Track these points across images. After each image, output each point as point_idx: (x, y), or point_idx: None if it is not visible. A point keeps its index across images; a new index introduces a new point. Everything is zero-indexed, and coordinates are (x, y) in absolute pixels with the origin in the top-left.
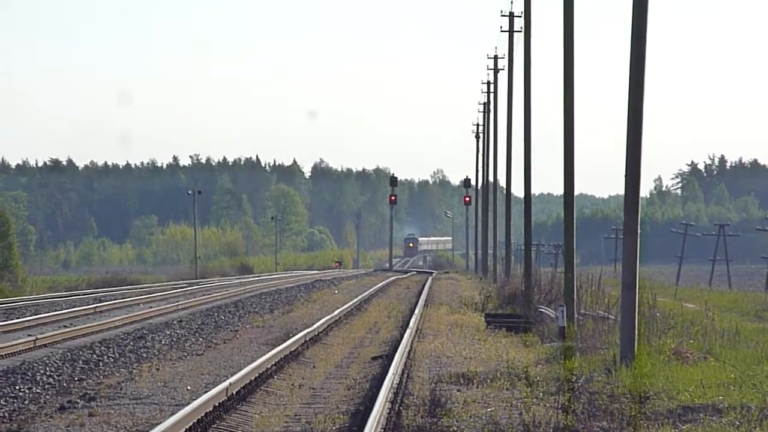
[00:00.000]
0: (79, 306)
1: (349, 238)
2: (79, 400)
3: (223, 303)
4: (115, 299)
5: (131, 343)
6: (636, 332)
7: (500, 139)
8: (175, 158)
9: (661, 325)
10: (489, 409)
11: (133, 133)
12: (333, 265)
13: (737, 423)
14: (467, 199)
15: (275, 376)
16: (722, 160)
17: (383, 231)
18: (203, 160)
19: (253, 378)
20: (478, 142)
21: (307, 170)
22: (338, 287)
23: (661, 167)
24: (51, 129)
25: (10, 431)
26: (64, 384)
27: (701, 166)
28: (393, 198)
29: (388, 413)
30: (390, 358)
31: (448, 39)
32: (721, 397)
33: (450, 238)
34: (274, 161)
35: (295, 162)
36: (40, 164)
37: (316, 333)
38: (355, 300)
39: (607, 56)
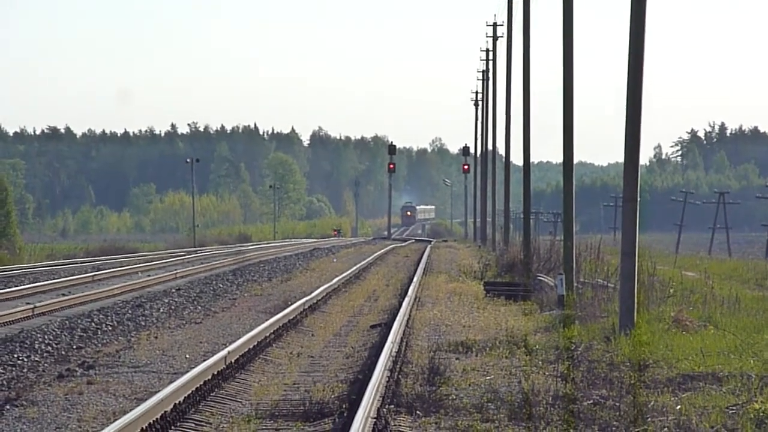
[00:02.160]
0: (78, 274)
1: (348, 207)
2: (77, 369)
3: (221, 271)
4: (113, 267)
5: (129, 312)
6: (635, 300)
7: (499, 107)
8: (173, 126)
9: (660, 293)
10: (488, 378)
11: (131, 100)
12: (332, 234)
13: (737, 391)
14: (466, 167)
15: (274, 345)
16: (722, 127)
17: (382, 199)
18: (201, 128)
19: (251, 346)
20: (477, 110)
21: (305, 138)
22: (337, 255)
23: (661, 135)
24: (49, 96)
25: (8, 399)
26: (63, 352)
27: (701, 134)
28: (392, 166)
29: (387, 381)
30: (389, 326)
31: (448, 6)
32: (720, 366)
33: (433, 207)
34: (273, 129)
35: (293, 130)
36: (38, 132)
37: (315, 301)
38: (354, 268)
39: (607, 23)
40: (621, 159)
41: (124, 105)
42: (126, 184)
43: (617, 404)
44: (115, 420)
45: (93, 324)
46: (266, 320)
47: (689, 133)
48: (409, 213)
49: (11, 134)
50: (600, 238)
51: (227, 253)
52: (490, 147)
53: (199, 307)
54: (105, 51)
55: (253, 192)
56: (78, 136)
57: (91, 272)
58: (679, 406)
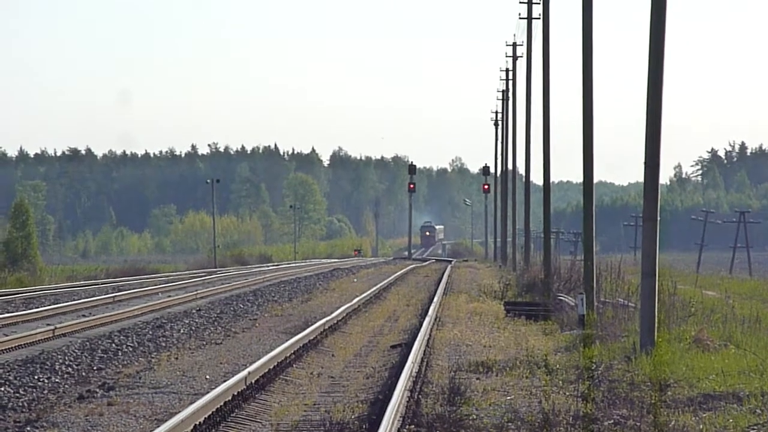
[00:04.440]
0: (98, 295)
1: (368, 227)
2: (98, 390)
3: (241, 292)
4: (133, 288)
5: (150, 332)
6: (656, 320)
7: (519, 126)
8: (193, 147)
9: (681, 312)
10: (508, 398)
11: (151, 121)
12: (352, 254)
13: (758, 411)
14: (486, 186)
15: (294, 365)
16: (742, 146)
17: (402, 219)
18: (222, 149)
19: (271, 367)
20: (496, 129)
21: (325, 158)
22: (357, 276)
23: (681, 154)
24: (69, 118)
25: (29, 421)
26: (83, 373)
27: (721, 153)
28: (412, 186)
29: (407, 402)
30: (409, 346)
31: (467, 27)
32: (741, 385)
33: (442, 227)
34: (293, 149)
35: (313, 150)
36: (58, 153)
37: (335, 321)
38: (374, 288)
39: (627, 43)
40: (641, 178)
41: (142, 124)
42: (146, 205)
43: (638, 424)
44: None
45: (113, 345)
46: (286, 341)
47: (709, 152)
48: (428, 233)
49: (32, 156)
50: (620, 257)
51: (247, 274)
52: (510, 166)
53: (220, 328)
54: (125, 71)
55: (274, 212)
56: (98, 158)
57: (112, 293)
58: (700, 426)
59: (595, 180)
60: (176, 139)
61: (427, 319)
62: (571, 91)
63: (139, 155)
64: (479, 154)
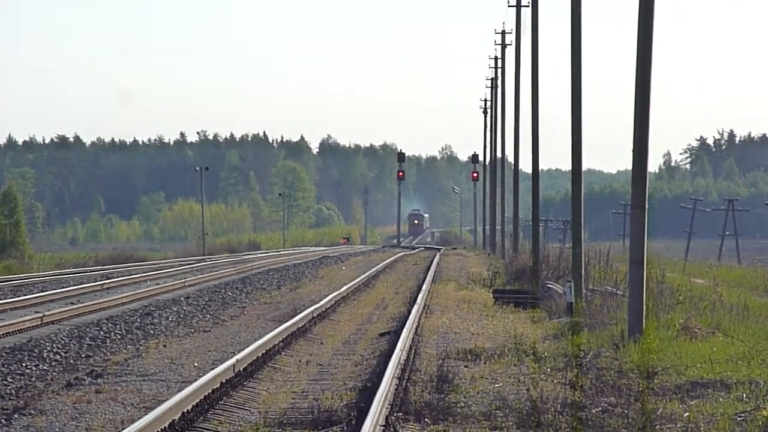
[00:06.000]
0: (87, 283)
1: (357, 215)
2: (86, 377)
3: (230, 279)
4: (122, 276)
5: (138, 320)
6: (644, 308)
7: (508, 114)
8: (182, 134)
9: (669, 300)
10: (496, 385)
11: (139, 108)
12: (341, 242)
13: (745, 398)
14: (475, 174)
15: (282, 353)
16: (731, 134)
17: (391, 207)
18: (210, 137)
19: (260, 354)
20: (485, 117)
21: (314, 146)
22: (346, 263)
23: (670, 142)
24: (58, 105)
25: (17, 408)
26: (71, 361)
27: (710, 141)
28: (401, 174)
29: (396, 389)
30: (397, 334)
31: (456, 14)
32: (729, 373)
33: (427, 215)
34: (282, 137)
35: (302, 138)
36: (47, 141)
37: (324, 309)
38: (363, 276)
39: (616, 31)
40: (630, 166)
41: (130, 111)
42: (135, 193)
43: (625, 411)
44: (123, 429)
45: (102, 333)
46: (275, 328)
47: (698, 140)
48: (416, 221)
49: (20, 143)
50: (609, 245)
51: (236, 261)
52: (499, 154)
53: (208, 316)
54: (113, 59)
55: (263, 200)
56: (87, 145)
57: (100, 281)
58: (687, 414)
59: (584, 168)
60: (165, 127)
61: (416, 306)
62: (560, 78)
63: (128, 142)
64: (468, 142)
